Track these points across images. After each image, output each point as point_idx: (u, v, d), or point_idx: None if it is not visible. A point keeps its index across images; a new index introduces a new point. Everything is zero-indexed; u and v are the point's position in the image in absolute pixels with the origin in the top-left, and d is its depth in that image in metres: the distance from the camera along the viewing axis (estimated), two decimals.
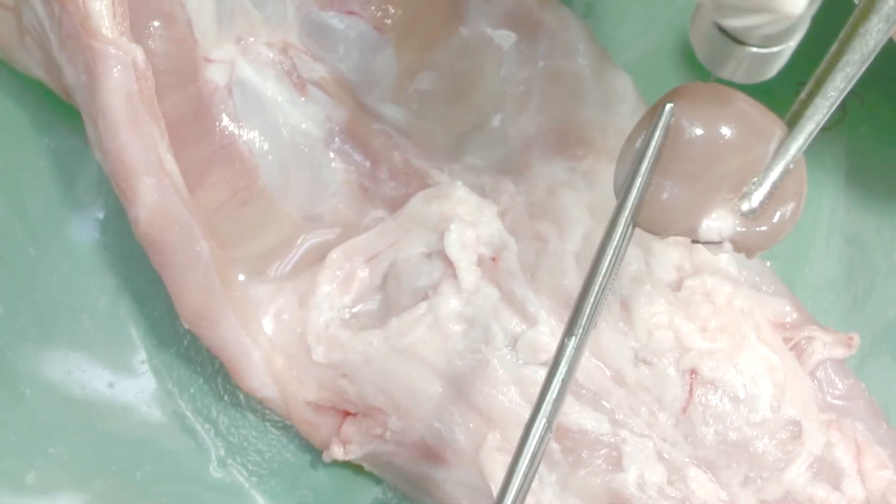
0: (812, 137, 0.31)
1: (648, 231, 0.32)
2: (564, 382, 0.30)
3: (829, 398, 0.43)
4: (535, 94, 0.45)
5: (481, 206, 0.43)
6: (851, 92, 0.31)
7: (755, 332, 0.41)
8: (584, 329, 0.30)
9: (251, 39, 0.45)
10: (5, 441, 0.45)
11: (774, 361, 0.41)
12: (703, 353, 0.40)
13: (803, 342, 0.42)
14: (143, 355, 0.47)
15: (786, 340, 0.42)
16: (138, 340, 0.47)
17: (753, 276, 0.44)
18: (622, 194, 0.31)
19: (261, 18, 0.45)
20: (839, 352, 0.42)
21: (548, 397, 0.30)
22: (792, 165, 0.31)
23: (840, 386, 0.43)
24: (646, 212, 0.31)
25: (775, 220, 0.31)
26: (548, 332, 0.40)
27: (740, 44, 0.27)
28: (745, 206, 0.31)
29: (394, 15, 0.46)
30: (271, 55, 0.45)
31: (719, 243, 0.31)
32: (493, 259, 0.42)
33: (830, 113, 0.31)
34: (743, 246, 0.31)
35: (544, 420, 0.30)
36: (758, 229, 0.31)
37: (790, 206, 0.31)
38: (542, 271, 0.42)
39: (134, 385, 0.47)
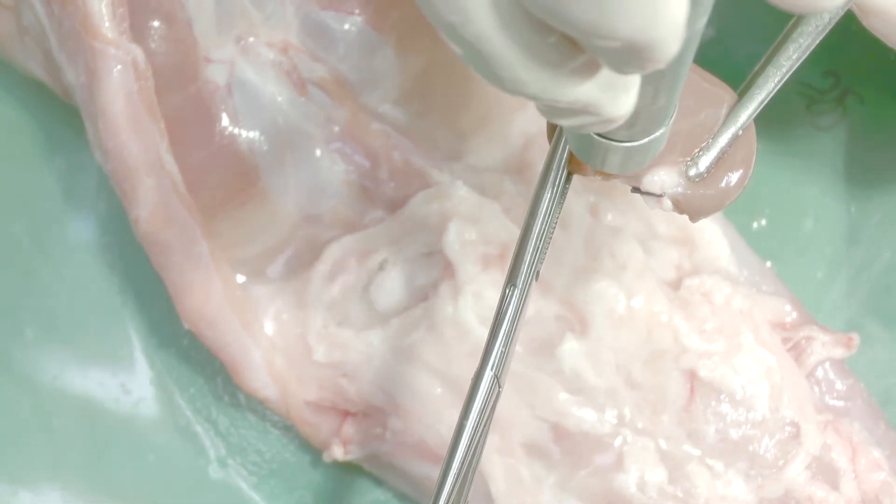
0: (762, 106, 0.32)
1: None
2: (508, 334, 0.30)
3: (827, 398, 0.43)
4: None
5: (482, 205, 0.43)
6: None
7: (753, 334, 0.41)
8: (525, 280, 0.30)
9: (251, 39, 0.45)
10: (6, 438, 0.46)
11: (772, 363, 0.41)
12: (700, 354, 0.40)
13: (803, 342, 0.42)
14: (143, 355, 0.47)
15: (785, 340, 0.42)
16: (138, 341, 0.47)
17: (753, 276, 0.44)
18: (554, 139, 0.31)
19: (261, 18, 0.45)
20: (839, 352, 0.42)
21: (494, 350, 0.30)
22: (741, 132, 0.31)
23: (839, 386, 0.43)
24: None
25: (721, 184, 0.32)
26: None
27: (604, 139, 0.26)
28: (692, 171, 0.31)
29: (393, 15, 0.46)
30: (271, 55, 0.45)
31: (660, 196, 0.31)
32: (501, 256, 0.42)
33: (782, 83, 0.32)
34: (686, 206, 0.32)
35: (492, 373, 0.30)
36: (703, 192, 0.32)
37: (738, 174, 0.32)
38: (546, 271, 0.42)
39: (134, 385, 0.47)
